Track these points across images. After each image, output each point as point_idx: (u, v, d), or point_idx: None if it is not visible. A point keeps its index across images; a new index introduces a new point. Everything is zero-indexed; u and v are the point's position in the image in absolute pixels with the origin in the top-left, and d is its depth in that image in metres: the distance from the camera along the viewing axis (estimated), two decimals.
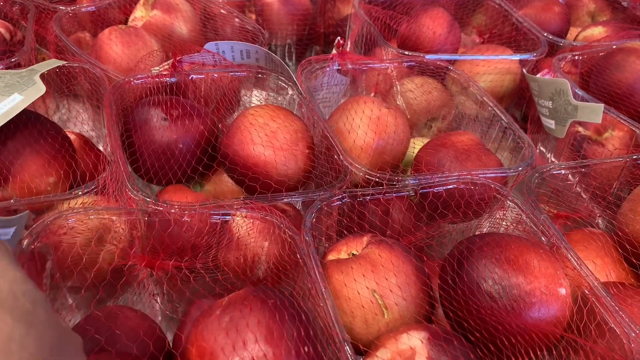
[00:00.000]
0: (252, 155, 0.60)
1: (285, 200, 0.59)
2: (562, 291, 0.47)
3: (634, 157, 0.66)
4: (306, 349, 0.40)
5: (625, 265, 0.62)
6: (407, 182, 0.60)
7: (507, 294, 0.46)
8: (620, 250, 0.62)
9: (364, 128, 0.68)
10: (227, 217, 0.52)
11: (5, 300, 0.26)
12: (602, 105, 0.70)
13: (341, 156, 0.62)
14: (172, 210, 0.51)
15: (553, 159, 0.86)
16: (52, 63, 0.66)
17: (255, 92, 0.79)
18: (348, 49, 1.00)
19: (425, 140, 0.78)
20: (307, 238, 0.50)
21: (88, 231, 0.48)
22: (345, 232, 0.58)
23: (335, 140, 0.63)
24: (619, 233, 0.62)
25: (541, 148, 0.88)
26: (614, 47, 0.85)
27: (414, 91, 0.84)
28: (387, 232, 0.61)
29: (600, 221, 0.74)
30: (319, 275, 0.46)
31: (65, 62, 0.72)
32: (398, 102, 0.86)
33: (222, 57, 0.69)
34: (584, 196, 0.77)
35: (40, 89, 0.57)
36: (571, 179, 0.75)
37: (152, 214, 0.50)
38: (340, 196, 0.57)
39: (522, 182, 0.65)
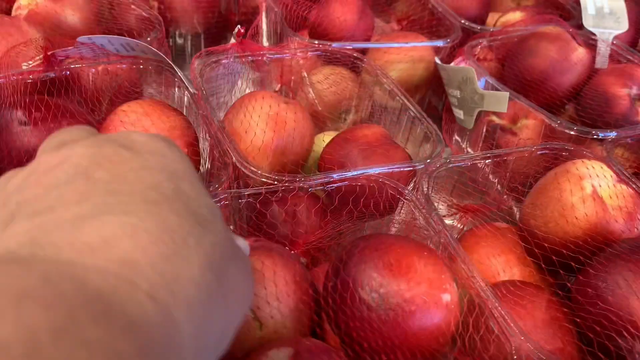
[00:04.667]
0: None
1: None
2: (447, 297, 0.44)
3: (534, 147, 0.64)
4: None
5: (530, 260, 0.59)
6: (296, 181, 0.56)
7: (385, 302, 0.42)
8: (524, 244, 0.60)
9: (261, 126, 0.63)
10: None
11: (190, 204, 0.26)
12: (507, 93, 0.67)
13: (234, 159, 0.57)
14: None
15: (469, 150, 0.84)
16: None
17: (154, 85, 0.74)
18: (265, 39, 0.95)
19: (334, 135, 0.74)
20: None
21: None
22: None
23: (227, 140, 0.58)
24: (524, 225, 0.60)
25: (457, 137, 0.85)
26: (527, 32, 0.83)
27: (323, 82, 0.80)
28: (280, 234, 0.57)
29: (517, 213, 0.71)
30: None
31: None
32: (309, 95, 0.82)
33: (102, 49, 0.64)
34: (499, 188, 0.75)
35: None
36: (486, 170, 0.73)
37: None
38: (221, 197, 0.52)
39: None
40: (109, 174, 0.25)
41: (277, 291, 0.45)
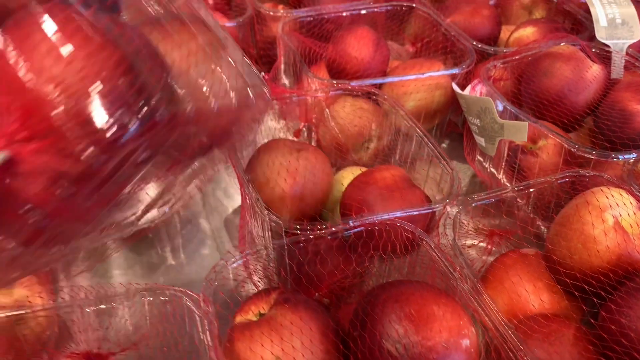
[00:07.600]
0: None
1: None
2: (466, 342, 0.47)
3: (553, 178, 0.65)
4: None
5: (559, 287, 0.61)
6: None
7: (408, 352, 0.45)
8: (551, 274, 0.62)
9: (276, 175, 0.66)
10: None
11: None
12: (527, 123, 0.69)
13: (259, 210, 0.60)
14: None
15: (492, 169, 0.86)
16: None
17: None
18: (283, 76, 0.98)
19: (356, 171, 0.77)
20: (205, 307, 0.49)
21: None
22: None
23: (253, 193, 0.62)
24: (549, 257, 0.61)
25: (479, 158, 0.87)
26: (541, 52, 0.84)
27: (345, 117, 0.83)
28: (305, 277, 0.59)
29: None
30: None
31: None
32: (331, 127, 0.85)
33: None
34: (526, 210, 0.76)
35: None
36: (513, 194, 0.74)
37: None
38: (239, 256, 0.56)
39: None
40: None
41: (306, 344, 0.49)
